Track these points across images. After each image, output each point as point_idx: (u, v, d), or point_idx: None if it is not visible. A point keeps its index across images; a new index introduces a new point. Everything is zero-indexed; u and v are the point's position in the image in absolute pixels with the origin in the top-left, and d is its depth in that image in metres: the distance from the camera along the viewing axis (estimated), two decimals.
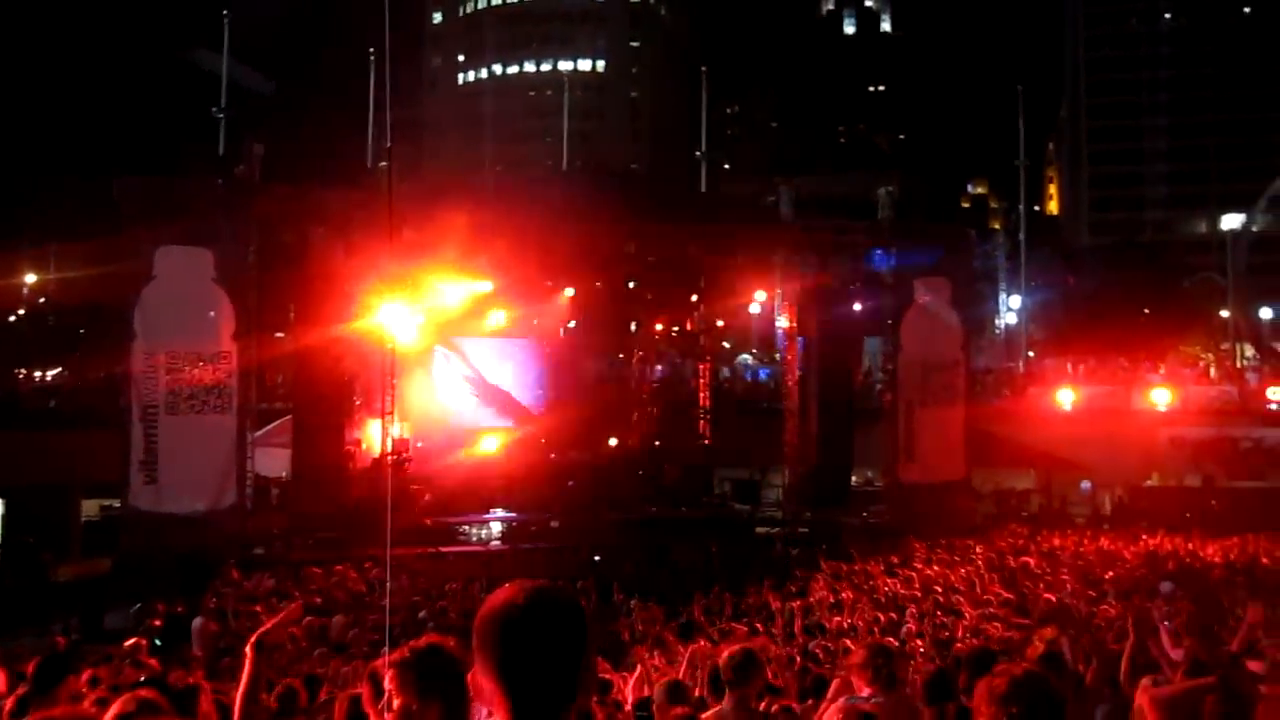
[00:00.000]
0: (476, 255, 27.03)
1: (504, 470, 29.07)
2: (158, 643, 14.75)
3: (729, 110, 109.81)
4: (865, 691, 5.76)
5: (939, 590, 15.29)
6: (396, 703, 3.20)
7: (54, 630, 17.64)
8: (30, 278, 50.84)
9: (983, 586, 15.64)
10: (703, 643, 10.56)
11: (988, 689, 3.17)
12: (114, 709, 4.28)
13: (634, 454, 32.52)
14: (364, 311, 25.24)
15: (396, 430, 26.31)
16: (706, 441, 32.20)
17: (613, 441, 32.20)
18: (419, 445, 28.14)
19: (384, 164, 26.41)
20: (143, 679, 7.16)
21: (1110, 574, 17.53)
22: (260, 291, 24.43)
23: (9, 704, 5.98)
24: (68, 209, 42.36)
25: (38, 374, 40.34)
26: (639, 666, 9.05)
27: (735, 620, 15.03)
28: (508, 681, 2.23)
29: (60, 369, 41.36)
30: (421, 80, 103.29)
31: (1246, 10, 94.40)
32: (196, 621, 15.52)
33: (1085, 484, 35.01)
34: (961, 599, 14.37)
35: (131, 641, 12.01)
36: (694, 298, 32.98)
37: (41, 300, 52.00)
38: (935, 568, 18.57)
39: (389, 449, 25.68)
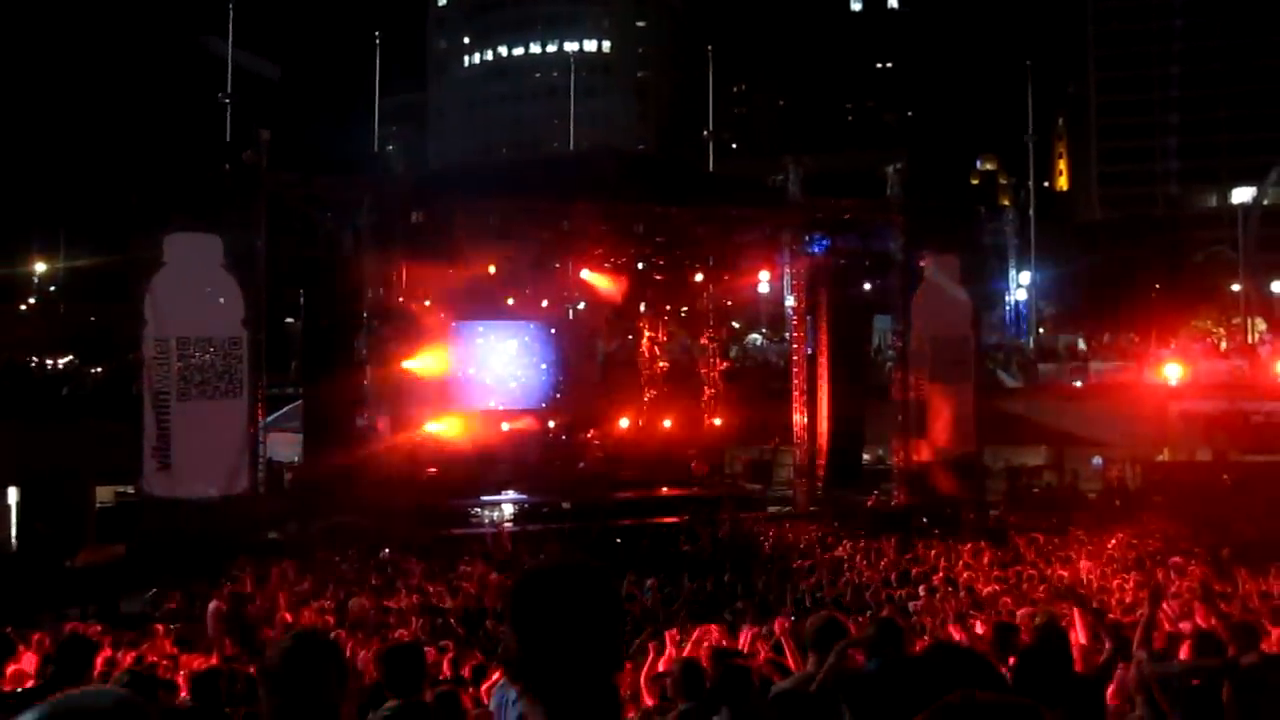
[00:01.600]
0: (484, 239, 27.04)
1: (515, 453, 29.16)
2: (173, 626, 14.87)
3: (736, 89, 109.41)
4: None
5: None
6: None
7: (71, 616, 17.78)
8: (40, 267, 51.08)
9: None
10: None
11: None
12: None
13: (645, 436, 32.57)
14: (374, 295, 25.31)
15: (408, 414, 26.38)
16: (717, 421, 32.24)
17: (623, 423, 32.27)
18: (432, 429, 28.21)
19: (390, 148, 26.37)
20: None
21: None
22: (270, 277, 24.47)
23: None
24: (77, 198, 42.50)
25: (49, 362, 40.49)
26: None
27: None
28: (541, 655, 2.19)
29: (71, 357, 41.53)
30: (427, 64, 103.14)
31: None
32: (212, 605, 15.61)
33: (1096, 460, 34.97)
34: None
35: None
36: (701, 277, 32.96)
37: (52, 289, 52.25)
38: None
39: (401, 433, 25.75)
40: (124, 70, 58.54)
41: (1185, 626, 8.69)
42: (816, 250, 29.79)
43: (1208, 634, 7.08)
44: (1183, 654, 6.45)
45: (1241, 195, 65.72)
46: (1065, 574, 15.83)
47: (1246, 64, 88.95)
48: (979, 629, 10.23)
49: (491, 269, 28.75)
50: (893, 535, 22.03)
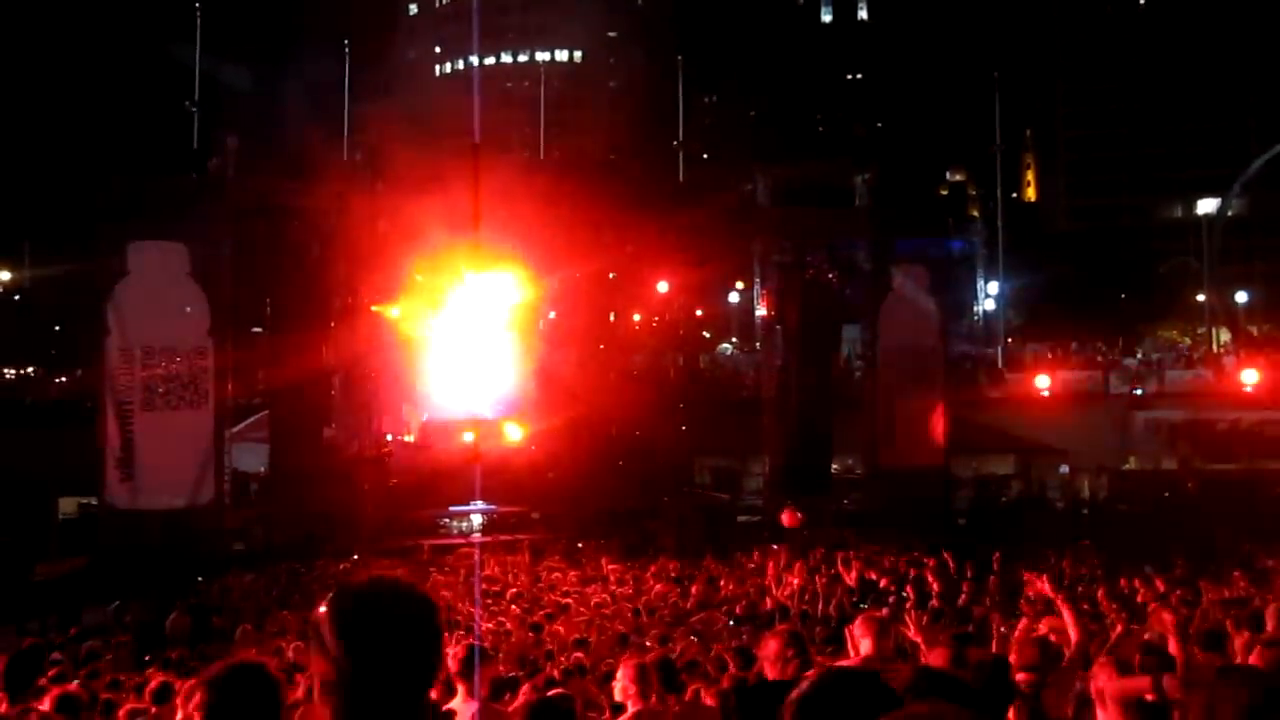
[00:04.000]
0: (453, 248, 26.97)
1: (483, 463, 29.03)
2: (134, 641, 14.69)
3: (706, 100, 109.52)
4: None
5: None
6: None
7: (31, 630, 17.55)
8: (4, 275, 50.52)
9: None
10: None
11: None
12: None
13: (614, 445, 32.54)
14: (341, 305, 25.20)
15: (375, 424, 26.26)
16: (685, 431, 32.25)
17: (591, 433, 32.19)
18: (398, 439, 28.07)
19: (359, 156, 26.27)
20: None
21: None
22: (236, 286, 24.31)
23: None
24: (41, 206, 42.06)
25: (12, 371, 40.02)
26: None
27: None
28: (353, 671, 2.14)
29: (35, 366, 41.06)
30: (398, 72, 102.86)
31: None
32: (171, 617, 15.45)
33: (1063, 468, 35.18)
34: None
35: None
36: (670, 287, 33.00)
37: (15, 297, 51.67)
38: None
39: (368, 443, 25.62)
40: (89, 77, 58.03)
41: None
42: (786, 260, 29.88)
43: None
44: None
45: (1206, 206, 66.44)
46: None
47: (1211, 75, 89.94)
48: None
49: (461, 277, 28.63)
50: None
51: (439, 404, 30.14)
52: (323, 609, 2.22)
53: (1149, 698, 5.11)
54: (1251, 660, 5.52)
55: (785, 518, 26.25)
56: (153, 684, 6.99)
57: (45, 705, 4.78)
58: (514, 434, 30.91)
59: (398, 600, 2.24)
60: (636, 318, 34.15)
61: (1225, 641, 6.93)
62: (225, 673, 3.00)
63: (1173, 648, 6.14)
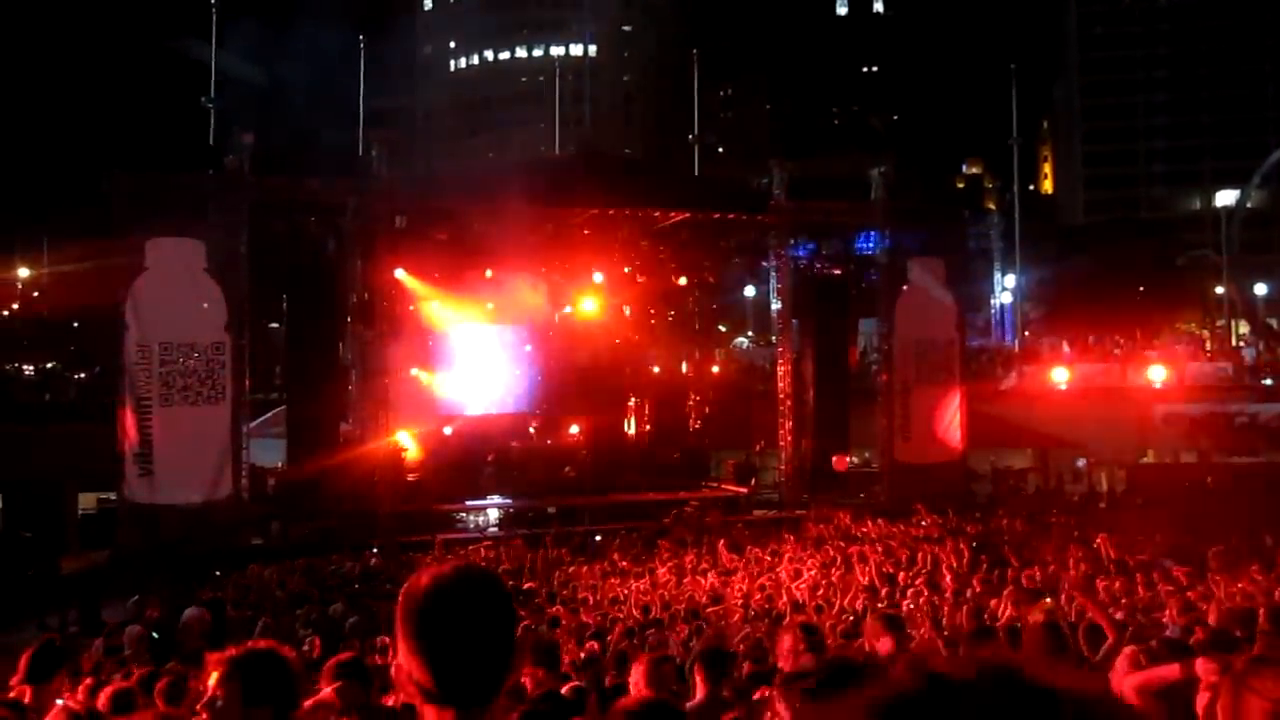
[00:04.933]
0: (468, 243, 27.02)
1: (499, 457, 29.11)
2: (155, 635, 14.76)
3: (722, 93, 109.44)
4: None
5: None
6: (219, 703, 3.01)
7: (51, 624, 17.70)
8: (24, 272, 50.86)
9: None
10: None
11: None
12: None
13: (631, 439, 32.59)
14: (358, 300, 25.27)
15: (392, 419, 26.33)
16: (702, 424, 32.25)
17: (608, 427, 32.20)
18: (416, 433, 28.13)
19: (375, 152, 26.32)
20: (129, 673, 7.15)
21: None
22: (253, 282, 24.40)
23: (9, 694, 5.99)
24: (59, 203, 42.31)
25: (32, 368, 40.28)
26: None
27: None
28: (435, 666, 2.15)
29: (54, 363, 41.32)
30: (413, 68, 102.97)
31: None
32: (189, 611, 15.54)
33: (1080, 461, 35.05)
34: None
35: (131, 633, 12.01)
36: (687, 281, 32.96)
37: (35, 295, 52.01)
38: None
39: (385, 437, 25.69)
40: (107, 74, 58.31)
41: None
42: (802, 254, 29.85)
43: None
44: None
45: (1225, 198, 65.97)
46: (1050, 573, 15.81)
47: (1230, 67, 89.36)
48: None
49: (475, 273, 28.66)
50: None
51: (455, 399, 30.18)
52: (401, 613, 2.21)
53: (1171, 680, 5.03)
54: None
55: (836, 462, 26.83)
56: (163, 682, 7.00)
57: (101, 702, 4.83)
58: (530, 429, 30.96)
59: (470, 591, 2.23)
60: (652, 312, 34.10)
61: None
62: (247, 654, 3.07)
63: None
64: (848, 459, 28.86)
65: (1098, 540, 17.67)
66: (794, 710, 2.26)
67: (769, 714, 2.32)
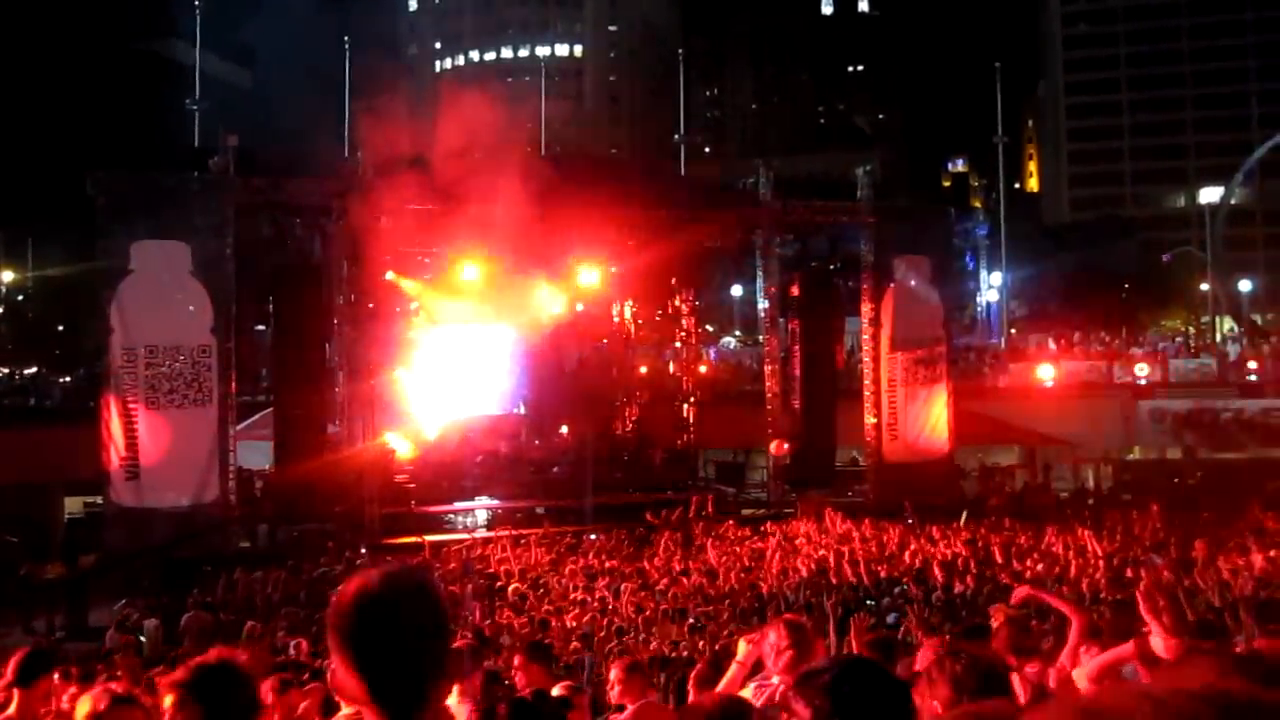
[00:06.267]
0: (454, 244, 26.97)
1: (489, 458, 29.06)
2: (141, 640, 14.73)
3: (708, 93, 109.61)
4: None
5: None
6: None
7: (37, 628, 17.65)
8: (7, 275, 50.61)
9: None
10: None
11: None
12: (88, 705, 4.26)
13: (619, 439, 32.57)
14: (344, 302, 25.21)
15: (379, 420, 26.29)
16: (690, 424, 32.25)
17: (596, 427, 32.19)
18: (402, 435, 28.07)
19: (361, 153, 26.27)
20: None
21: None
22: (239, 284, 24.32)
23: None
24: (43, 206, 42.12)
25: (16, 372, 40.11)
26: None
27: None
28: (368, 672, 2.17)
29: (39, 366, 41.15)
30: (398, 68, 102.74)
31: None
32: (187, 615, 15.50)
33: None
34: None
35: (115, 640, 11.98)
36: (674, 280, 32.95)
37: (19, 298, 51.78)
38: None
39: (372, 439, 25.64)
40: (91, 76, 58.06)
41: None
42: (788, 253, 29.87)
43: None
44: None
45: (1209, 195, 66.29)
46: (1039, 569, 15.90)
47: (1213, 65, 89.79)
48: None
49: (462, 273, 28.61)
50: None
51: (442, 401, 30.13)
52: (331, 623, 2.23)
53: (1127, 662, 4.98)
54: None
55: (775, 447, 26.91)
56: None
57: (102, 706, 4.80)
58: (518, 429, 30.93)
59: (399, 599, 2.23)
60: (637, 310, 34.09)
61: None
62: (200, 675, 2.95)
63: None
64: (784, 444, 28.91)
65: (1083, 536, 17.77)
66: (814, 709, 2.25)
67: (785, 715, 2.31)
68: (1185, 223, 69.83)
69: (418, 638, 2.22)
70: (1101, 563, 15.77)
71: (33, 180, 46.18)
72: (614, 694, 6.27)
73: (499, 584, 16.80)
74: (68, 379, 36.50)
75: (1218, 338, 47.06)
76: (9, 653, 5.98)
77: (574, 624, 13.19)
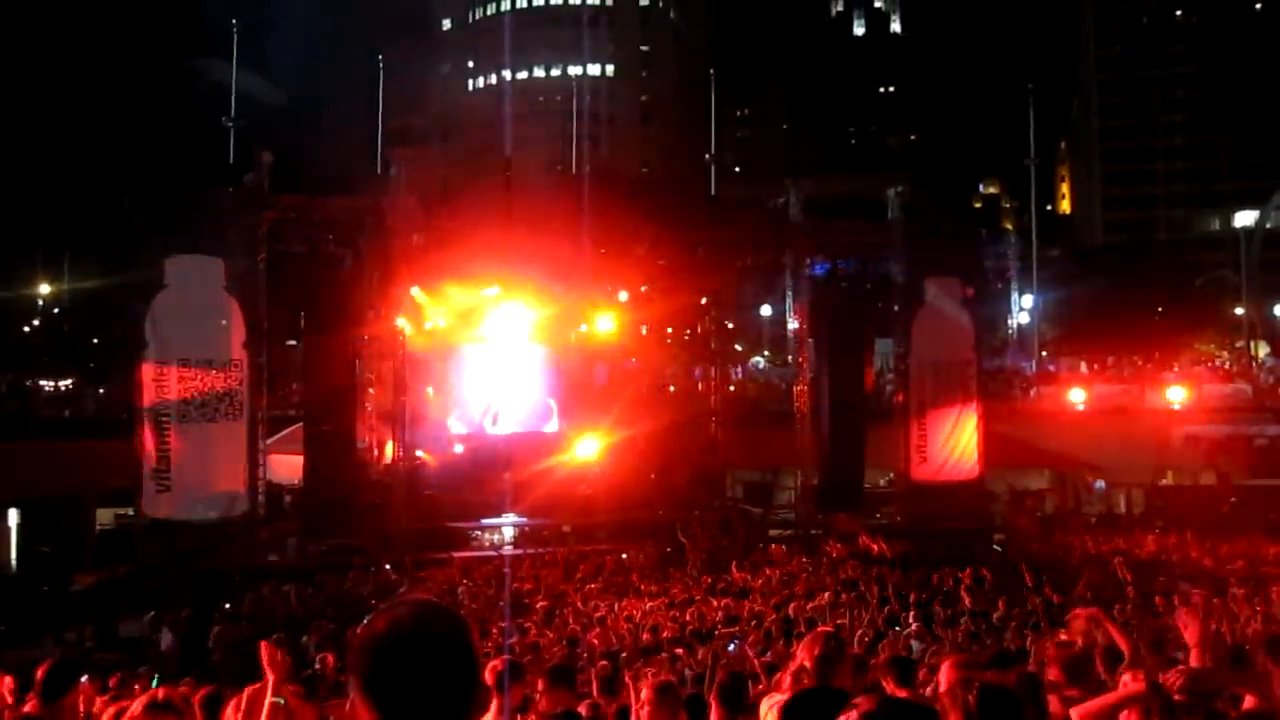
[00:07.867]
0: (486, 261, 27.08)
1: (516, 475, 29.05)
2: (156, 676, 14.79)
3: (739, 113, 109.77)
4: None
5: None
6: None
7: (68, 639, 17.76)
8: (44, 289, 51.18)
9: None
10: None
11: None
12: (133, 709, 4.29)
13: (646, 458, 32.48)
14: (375, 318, 25.37)
15: (408, 436, 26.38)
16: (718, 444, 32.17)
17: (625, 445, 32.14)
18: (431, 450, 28.15)
19: (394, 171, 26.48)
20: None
21: None
22: (271, 299, 24.52)
23: (23, 709, 6.01)
24: (80, 220, 42.62)
25: (51, 384, 40.52)
26: None
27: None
28: (388, 712, 2.08)
29: (74, 379, 41.55)
30: (431, 87, 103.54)
31: (1258, 6, 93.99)
32: (216, 628, 15.57)
33: (1099, 484, 34.86)
34: None
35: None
36: (704, 300, 32.93)
37: (55, 311, 52.33)
38: None
39: (401, 455, 25.74)
40: (129, 93, 58.81)
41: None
42: (819, 273, 29.82)
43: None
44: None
45: (1244, 218, 65.77)
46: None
47: (1248, 88, 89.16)
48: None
49: (493, 291, 28.72)
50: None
51: (470, 417, 30.20)
52: (352, 663, 2.15)
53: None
54: None
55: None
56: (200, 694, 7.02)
57: (138, 709, 4.89)
58: (546, 447, 30.92)
59: (426, 638, 2.13)
60: (668, 330, 34.09)
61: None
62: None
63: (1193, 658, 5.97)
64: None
65: (1114, 563, 17.57)
66: None
67: None
68: (1220, 246, 69.13)
69: (440, 680, 2.12)
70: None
71: (70, 195, 46.72)
72: (643, 715, 6.23)
73: (525, 601, 16.79)
74: (101, 392, 36.83)
75: (1253, 362, 46.53)
76: (39, 664, 6.03)
77: (598, 643, 13.16)
